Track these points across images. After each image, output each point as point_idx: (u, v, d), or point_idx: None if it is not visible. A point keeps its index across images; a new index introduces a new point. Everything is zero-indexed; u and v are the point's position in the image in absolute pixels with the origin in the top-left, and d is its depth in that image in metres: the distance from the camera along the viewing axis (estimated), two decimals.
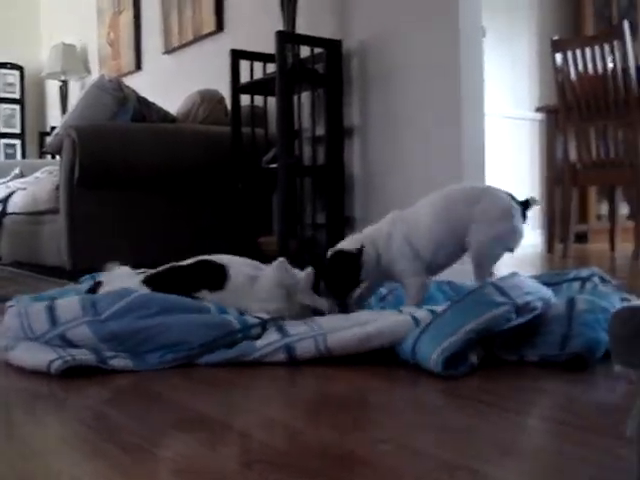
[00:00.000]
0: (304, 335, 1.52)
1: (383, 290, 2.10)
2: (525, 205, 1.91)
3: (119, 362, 1.48)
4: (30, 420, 1.16)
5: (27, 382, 1.41)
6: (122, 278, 1.92)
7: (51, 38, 7.04)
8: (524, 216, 1.90)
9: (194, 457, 0.94)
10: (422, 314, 1.56)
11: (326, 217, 3.60)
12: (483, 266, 1.83)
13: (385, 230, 1.91)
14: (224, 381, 1.38)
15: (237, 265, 1.86)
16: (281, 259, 1.87)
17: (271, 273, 1.83)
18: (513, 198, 1.90)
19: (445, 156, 3.21)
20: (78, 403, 1.25)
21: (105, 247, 3.24)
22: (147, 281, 1.81)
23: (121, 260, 2.05)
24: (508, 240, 1.85)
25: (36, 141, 7.21)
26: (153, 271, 1.90)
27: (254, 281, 1.82)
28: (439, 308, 1.60)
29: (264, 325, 1.62)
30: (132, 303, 1.60)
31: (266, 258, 2.02)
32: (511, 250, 1.87)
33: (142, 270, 2.00)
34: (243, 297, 1.78)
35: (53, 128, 6.48)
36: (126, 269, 2.01)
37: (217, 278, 1.81)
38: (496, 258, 1.86)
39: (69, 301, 1.64)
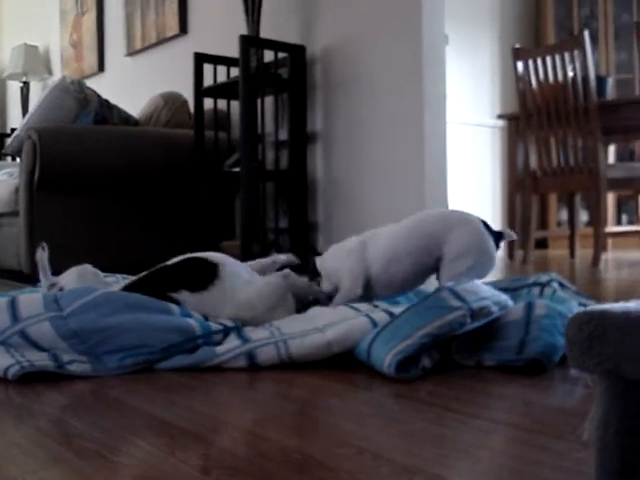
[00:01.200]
0: (265, 341, 1.52)
1: None
2: (499, 236, 1.92)
3: (77, 367, 1.46)
4: None
5: None
6: (83, 278, 1.89)
7: (13, 39, 6.94)
8: (497, 246, 1.91)
9: (153, 463, 0.93)
10: (380, 316, 1.57)
11: (289, 222, 3.60)
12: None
13: (354, 239, 1.97)
14: (184, 387, 1.37)
15: (227, 264, 1.81)
16: (286, 271, 1.86)
17: (266, 280, 1.81)
18: (487, 226, 1.91)
19: (407, 162, 3.23)
20: (36, 409, 1.23)
21: (65, 251, 3.19)
22: (129, 288, 1.77)
23: (81, 263, 2.02)
24: (481, 272, 1.87)
25: None
26: (135, 278, 1.85)
27: (241, 282, 1.79)
28: (396, 310, 1.61)
29: (226, 332, 1.61)
30: (95, 300, 1.58)
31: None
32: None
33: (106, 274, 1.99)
34: (225, 299, 1.74)
35: (13, 130, 6.38)
36: (88, 267, 1.97)
37: (202, 278, 1.76)
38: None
39: (32, 297, 1.62)
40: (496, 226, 2.03)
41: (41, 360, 1.46)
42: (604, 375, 0.65)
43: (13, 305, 1.57)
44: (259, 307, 1.73)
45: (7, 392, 1.35)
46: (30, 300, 1.59)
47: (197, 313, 1.67)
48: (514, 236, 1.99)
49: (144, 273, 1.86)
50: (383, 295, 1.91)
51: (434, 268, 1.92)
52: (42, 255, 2.00)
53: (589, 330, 0.64)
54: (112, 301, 1.59)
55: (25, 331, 1.53)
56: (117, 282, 2.13)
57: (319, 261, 2.01)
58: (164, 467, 0.91)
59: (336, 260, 1.97)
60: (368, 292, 1.92)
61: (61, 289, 1.87)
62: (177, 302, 1.69)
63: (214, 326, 1.61)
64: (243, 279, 1.79)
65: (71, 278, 1.90)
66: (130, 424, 1.12)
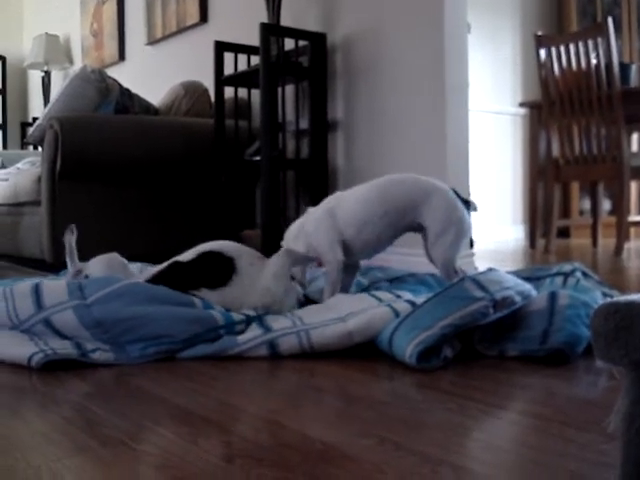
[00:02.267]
0: (287, 330, 1.52)
1: (364, 281, 2.11)
2: (467, 204, 1.94)
3: (100, 355, 1.47)
4: (10, 414, 1.15)
5: (7, 376, 1.40)
6: (110, 266, 1.90)
7: (34, 28, 6.98)
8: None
9: (175, 452, 0.93)
10: (402, 306, 1.57)
11: None
12: (449, 268, 1.86)
13: (319, 208, 1.98)
14: (205, 375, 1.38)
15: (243, 254, 1.83)
16: (286, 248, 1.86)
17: (274, 262, 1.82)
18: (456, 193, 1.93)
19: (429, 151, 3.21)
20: (59, 397, 1.24)
21: (85, 239, 3.21)
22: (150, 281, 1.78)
23: (104, 253, 2.04)
24: (465, 238, 1.91)
25: (17, 132, 7.14)
26: (155, 270, 1.87)
27: (257, 270, 1.80)
28: (419, 300, 1.60)
29: (248, 322, 1.61)
30: (119, 290, 1.59)
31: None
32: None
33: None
34: (245, 290, 1.75)
35: (35, 119, 6.42)
36: (116, 256, 1.98)
37: (221, 274, 1.77)
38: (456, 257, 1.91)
39: (56, 284, 1.62)
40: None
41: (64, 348, 1.47)
42: (631, 367, 0.64)
43: (37, 292, 1.58)
44: (277, 291, 1.75)
45: (31, 380, 1.36)
46: (54, 287, 1.60)
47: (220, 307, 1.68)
48: (477, 208, 2.00)
49: (162, 266, 1.86)
50: (359, 257, 1.95)
51: (406, 229, 1.94)
52: (70, 238, 2.01)
53: (615, 321, 0.63)
54: (136, 292, 1.60)
55: (49, 319, 1.54)
56: (140, 271, 2.14)
57: (284, 243, 1.99)
58: (187, 456, 0.92)
59: (301, 234, 1.97)
60: (347, 257, 1.92)
61: (86, 277, 1.88)
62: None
63: (237, 316, 1.62)
64: (257, 268, 1.81)
65: (98, 266, 1.91)
66: (152, 412, 1.13)
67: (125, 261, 1.98)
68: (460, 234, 1.89)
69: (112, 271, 1.86)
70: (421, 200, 1.89)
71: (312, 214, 1.99)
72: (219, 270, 1.78)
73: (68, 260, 2.00)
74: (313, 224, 1.95)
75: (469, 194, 3.32)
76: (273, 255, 1.85)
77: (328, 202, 2.01)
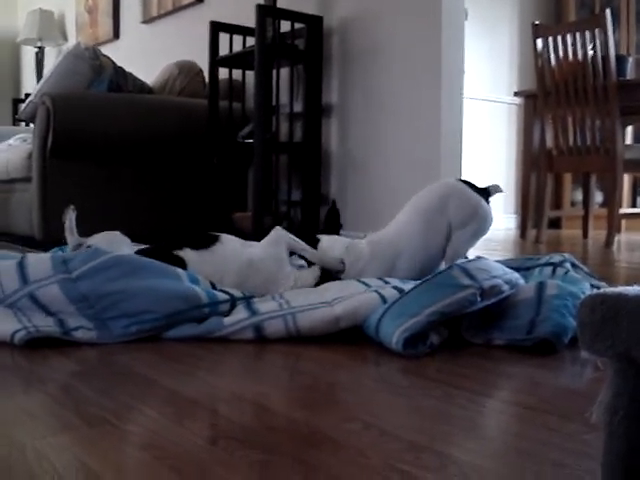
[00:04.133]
0: (274, 314, 1.52)
1: None
2: (486, 193, 1.95)
3: (83, 334, 1.46)
4: None
5: None
6: (112, 243, 1.90)
7: (28, 3, 6.91)
8: (487, 202, 1.97)
9: (160, 432, 0.93)
10: (389, 292, 1.57)
11: (301, 194, 3.60)
12: (457, 259, 1.88)
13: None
14: (191, 356, 1.38)
15: (232, 237, 1.87)
16: (277, 228, 1.86)
17: (264, 246, 1.83)
18: (472, 185, 1.94)
19: (423, 136, 3.21)
20: (44, 375, 1.24)
21: (77, 217, 3.20)
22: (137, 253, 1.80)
23: (93, 232, 2.03)
24: (483, 235, 1.94)
25: (9, 107, 7.09)
26: (145, 247, 1.89)
27: (242, 252, 1.82)
28: (406, 287, 1.60)
29: (233, 302, 1.61)
30: (106, 263, 1.58)
31: (240, 234, 2.01)
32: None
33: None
34: (226, 263, 1.77)
35: (28, 95, 6.37)
36: (118, 233, 1.99)
37: (205, 240, 1.81)
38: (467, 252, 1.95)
39: (40, 258, 1.62)
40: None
41: (47, 326, 1.47)
42: (615, 358, 0.64)
43: (22, 267, 1.58)
44: (263, 269, 1.78)
45: (14, 357, 1.36)
46: (39, 261, 1.60)
47: (202, 275, 1.69)
48: (500, 188, 2.02)
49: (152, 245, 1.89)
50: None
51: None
52: (71, 216, 2.02)
53: (602, 312, 0.63)
54: (121, 264, 1.59)
55: (34, 294, 1.53)
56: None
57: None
58: (172, 436, 0.92)
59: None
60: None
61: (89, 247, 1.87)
62: (182, 261, 1.73)
63: (221, 295, 1.62)
64: (243, 243, 1.85)
65: (100, 241, 1.91)
66: (138, 392, 1.13)
67: (128, 239, 1.99)
68: (478, 232, 1.92)
69: (114, 247, 1.86)
70: (445, 206, 1.93)
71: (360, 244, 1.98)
72: (204, 236, 1.84)
73: (68, 235, 2.01)
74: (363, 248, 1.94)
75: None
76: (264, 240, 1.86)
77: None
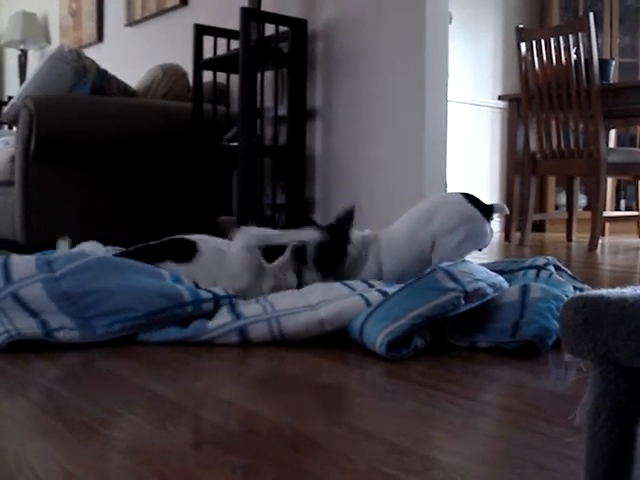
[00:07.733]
0: (258, 318, 1.52)
1: None
2: (489, 209, 1.95)
3: (65, 334, 1.45)
4: None
5: None
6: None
7: (11, 5, 6.87)
8: (488, 219, 1.95)
9: (143, 437, 0.93)
10: (373, 295, 1.57)
11: (286, 198, 3.59)
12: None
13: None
14: (175, 360, 1.37)
15: (208, 240, 1.86)
16: (243, 230, 1.86)
17: (237, 246, 1.82)
18: (475, 200, 1.94)
19: (407, 140, 3.22)
20: (25, 380, 1.23)
21: (60, 222, 3.18)
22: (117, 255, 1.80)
23: (76, 236, 2.02)
24: (475, 246, 1.92)
25: None
26: (123, 250, 1.88)
27: (224, 255, 1.81)
28: (391, 290, 1.60)
29: (216, 301, 1.60)
30: (89, 263, 1.58)
31: (225, 238, 2.00)
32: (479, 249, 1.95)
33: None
34: (212, 271, 1.76)
35: (10, 98, 6.33)
36: (94, 243, 1.99)
37: (185, 251, 1.80)
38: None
39: (24, 259, 1.61)
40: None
41: (29, 328, 1.46)
42: (598, 361, 0.64)
43: (6, 267, 1.57)
44: (245, 275, 1.78)
45: None
46: (23, 261, 1.59)
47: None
48: (506, 210, 2.02)
49: (130, 249, 1.88)
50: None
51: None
52: (63, 246, 2.02)
53: (584, 315, 0.63)
54: (104, 264, 1.60)
55: (17, 293, 1.52)
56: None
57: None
58: (155, 441, 0.91)
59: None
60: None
61: None
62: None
63: (204, 293, 1.61)
64: (218, 249, 1.83)
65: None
66: (121, 397, 1.12)
67: (109, 248, 1.99)
68: (467, 240, 1.90)
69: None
70: (432, 218, 1.93)
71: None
72: (183, 247, 1.82)
73: None
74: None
75: (446, 184, 3.33)
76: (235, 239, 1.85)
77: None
